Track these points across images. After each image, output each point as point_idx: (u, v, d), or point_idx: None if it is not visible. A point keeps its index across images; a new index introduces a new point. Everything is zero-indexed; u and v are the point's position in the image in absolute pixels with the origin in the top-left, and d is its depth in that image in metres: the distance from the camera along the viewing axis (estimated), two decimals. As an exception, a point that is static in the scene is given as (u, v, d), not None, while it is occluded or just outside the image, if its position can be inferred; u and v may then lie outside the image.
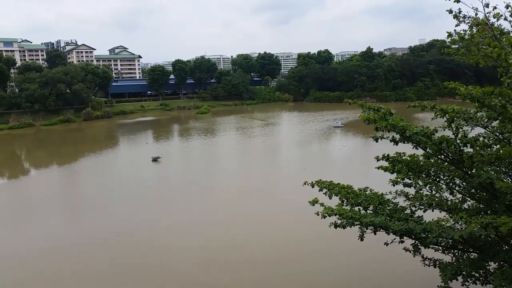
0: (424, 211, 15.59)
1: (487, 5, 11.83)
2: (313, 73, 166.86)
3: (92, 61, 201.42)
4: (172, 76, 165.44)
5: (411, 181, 15.76)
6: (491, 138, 14.42)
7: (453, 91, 13.50)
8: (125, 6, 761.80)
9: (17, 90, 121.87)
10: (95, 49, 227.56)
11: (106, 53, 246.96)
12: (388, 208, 14.83)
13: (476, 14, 12.37)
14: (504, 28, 12.97)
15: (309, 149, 70.42)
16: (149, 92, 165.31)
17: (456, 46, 14.66)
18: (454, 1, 12.08)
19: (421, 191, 15.81)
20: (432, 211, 15.78)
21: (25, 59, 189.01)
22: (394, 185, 16.27)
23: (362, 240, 14.03)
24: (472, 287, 15.03)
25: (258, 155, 66.67)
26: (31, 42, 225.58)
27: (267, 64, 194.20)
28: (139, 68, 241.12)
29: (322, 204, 14.67)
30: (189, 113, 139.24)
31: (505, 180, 13.77)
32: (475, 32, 12.80)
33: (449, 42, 13.88)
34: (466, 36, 13.15)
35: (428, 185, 15.53)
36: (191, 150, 74.01)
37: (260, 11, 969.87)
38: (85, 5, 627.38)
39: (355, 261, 25.86)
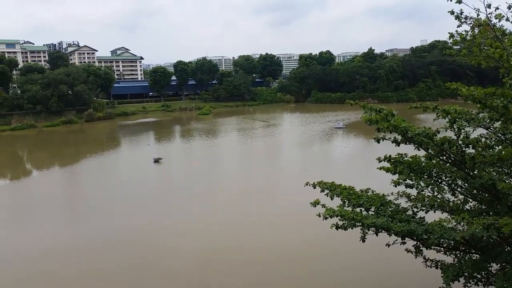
0: (426, 212, 15.57)
1: (489, 6, 11.80)
2: (314, 74, 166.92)
3: (94, 62, 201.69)
4: (173, 77, 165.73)
5: (413, 182, 15.71)
6: (493, 139, 14.39)
7: (455, 92, 13.51)
8: (126, 8, 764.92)
9: (19, 91, 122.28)
10: (97, 51, 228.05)
11: (108, 54, 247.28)
12: (390, 209, 14.81)
13: (478, 15, 12.34)
14: (506, 29, 12.93)
15: (311, 150, 70.37)
16: (150, 93, 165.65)
17: (458, 47, 14.63)
18: (456, 2, 12.06)
19: (423, 192, 15.77)
20: (434, 212, 15.74)
21: (27, 61, 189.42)
22: (396, 186, 16.22)
23: (363, 241, 14.00)
24: (474, 288, 14.99)
25: (259, 156, 66.68)
26: (33, 44, 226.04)
27: (268, 65, 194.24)
28: (140, 70, 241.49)
29: (323, 206, 14.65)
30: (191, 114, 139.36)
31: (507, 181, 13.71)
32: (477, 33, 12.76)
33: (451, 43, 13.84)
34: (468, 37, 13.13)
35: (430, 186, 15.47)
36: (193, 151, 74.08)
37: (261, 12, 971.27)
38: (87, 6, 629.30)
39: (356, 262, 25.81)
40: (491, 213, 13.89)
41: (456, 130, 12.78)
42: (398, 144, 13.50)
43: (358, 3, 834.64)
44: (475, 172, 13.81)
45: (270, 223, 33.49)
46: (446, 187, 15.36)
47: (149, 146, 77.21)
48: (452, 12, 12.58)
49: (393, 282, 24.06)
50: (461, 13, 12.52)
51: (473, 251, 14.77)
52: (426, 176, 15.36)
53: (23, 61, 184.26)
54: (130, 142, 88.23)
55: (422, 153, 14.22)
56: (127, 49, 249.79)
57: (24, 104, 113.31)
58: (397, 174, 15.85)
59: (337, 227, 14.11)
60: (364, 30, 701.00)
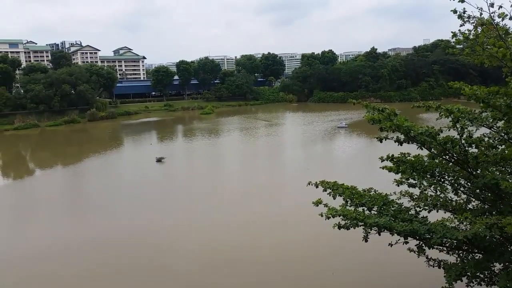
0: (429, 212, 15.52)
1: (492, 5, 11.74)
2: (317, 74, 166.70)
3: (96, 62, 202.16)
4: (176, 77, 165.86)
5: (416, 182, 15.65)
6: (496, 139, 14.33)
7: (458, 91, 13.48)
8: (128, 8, 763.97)
9: (22, 91, 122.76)
10: (99, 50, 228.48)
11: (110, 54, 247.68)
12: (393, 208, 14.76)
13: (481, 14, 12.28)
14: (509, 28, 12.88)
15: (313, 150, 70.35)
16: (153, 93, 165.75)
17: (461, 46, 14.56)
18: (459, 1, 12.01)
19: (426, 192, 15.72)
20: (437, 211, 15.70)
21: (30, 60, 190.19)
22: (398, 186, 16.19)
23: (366, 241, 13.98)
24: (477, 288, 14.96)
25: (261, 156, 66.70)
26: (36, 44, 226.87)
27: (271, 64, 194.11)
28: (143, 69, 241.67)
29: (326, 205, 14.63)
30: (193, 113, 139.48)
31: (510, 181, 13.64)
32: (480, 32, 12.71)
33: (453, 42, 13.77)
34: (471, 36, 13.06)
35: (433, 186, 15.42)
36: (195, 151, 74.17)
37: (264, 12, 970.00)
38: (88, 6, 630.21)
39: (359, 261, 25.79)
40: (494, 212, 13.86)
41: (459, 129, 12.74)
42: (400, 143, 13.46)
43: (360, 3, 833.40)
44: (478, 172, 13.77)
45: (272, 223, 33.49)
46: (449, 187, 15.31)
47: (151, 146, 77.33)
48: (455, 11, 12.52)
49: (395, 281, 24.03)
50: (464, 12, 12.46)
51: (476, 251, 14.72)
52: (429, 176, 15.32)
53: (26, 61, 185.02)
54: (132, 141, 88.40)
55: (425, 152, 14.19)
56: (130, 49, 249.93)
57: (27, 103, 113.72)
58: (399, 174, 15.81)
59: (339, 227, 14.08)
60: (366, 29, 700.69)
